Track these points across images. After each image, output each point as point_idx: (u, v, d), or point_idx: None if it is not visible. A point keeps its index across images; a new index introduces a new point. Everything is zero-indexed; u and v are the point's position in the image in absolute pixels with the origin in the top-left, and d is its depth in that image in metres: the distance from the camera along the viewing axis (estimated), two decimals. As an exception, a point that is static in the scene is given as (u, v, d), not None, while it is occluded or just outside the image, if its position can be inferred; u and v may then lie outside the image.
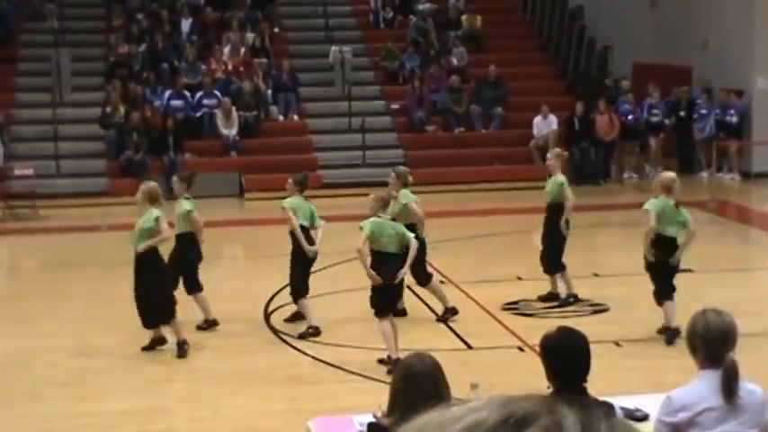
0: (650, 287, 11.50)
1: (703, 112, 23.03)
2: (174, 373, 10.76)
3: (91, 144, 22.65)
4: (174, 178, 12.65)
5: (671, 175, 11.60)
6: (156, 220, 10.99)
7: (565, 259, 12.74)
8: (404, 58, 25.05)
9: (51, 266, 16.32)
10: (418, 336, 11.41)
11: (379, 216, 10.43)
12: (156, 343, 11.34)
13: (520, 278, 14.09)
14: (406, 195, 12.10)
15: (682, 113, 23.42)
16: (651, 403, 5.90)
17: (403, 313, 12.03)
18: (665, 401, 4.92)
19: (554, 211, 12.65)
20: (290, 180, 12.30)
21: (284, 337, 11.83)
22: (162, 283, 11.13)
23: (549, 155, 13.09)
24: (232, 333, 12.03)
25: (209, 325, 12.11)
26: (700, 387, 4.85)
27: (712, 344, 4.82)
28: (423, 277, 12.25)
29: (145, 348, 11.28)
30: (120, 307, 11.96)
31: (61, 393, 10.27)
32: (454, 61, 25.14)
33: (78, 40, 25.36)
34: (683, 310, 5.53)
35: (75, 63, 24.07)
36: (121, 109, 22.46)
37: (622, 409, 5.10)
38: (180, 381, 10.64)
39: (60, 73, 23.59)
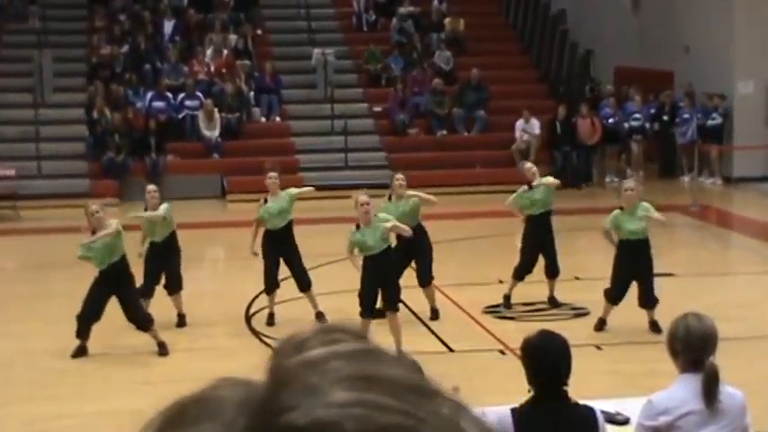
0: (630, 291, 11.53)
1: (686, 116, 23.12)
2: (154, 375, 10.72)
3: (72, 145, 22.56)
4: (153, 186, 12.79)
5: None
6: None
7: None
8: (390, 61, 25.06)
9: (32, 267, 16.25)
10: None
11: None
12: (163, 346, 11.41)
13: (501, 281, 14.09)
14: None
15: (665, 118, 23.50)
16: (632, 407, 5.92)
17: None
18: (646, 405, 4.94)
19: (548, 218, 13.00)
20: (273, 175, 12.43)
21: (265, 339, 11.81)
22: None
23: (529, 167, 13.27)
24: (213, 334, 12.00)
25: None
26: (681, 391, 4.87)
27: (693, 348, 4.84)
28: (428, 278, 12.42)
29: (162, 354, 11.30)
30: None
31: (41, 395, 10.23)
32: (442, 65, 25.16)
33: (60, 41, 25.28)
34: (665, 314, 5.55)
35: (57, 64, 23.99)
36: (106, 111, 22.38)
37: (603, 412, 5.11)
38: (160, 383, 10.61)
39: (42, 74, 23.50)
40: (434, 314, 12.51)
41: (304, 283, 12.34)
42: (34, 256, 17.00)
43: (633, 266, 11.43)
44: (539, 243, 12.85)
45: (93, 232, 11.15)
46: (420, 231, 12.13)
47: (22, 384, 10.58)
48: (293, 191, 12.68)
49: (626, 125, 23.43)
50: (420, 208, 12.36)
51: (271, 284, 12.32)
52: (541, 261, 12.93)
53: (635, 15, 25.81)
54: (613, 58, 25.90)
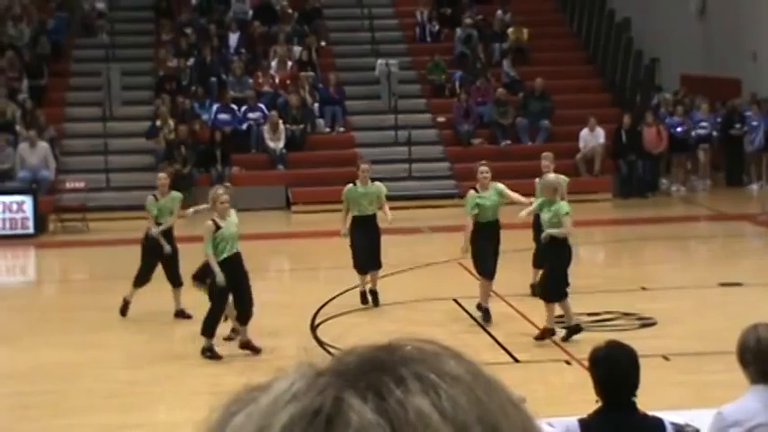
0: (698, 301, 11.40)
1: (754, 123, 22.81)
2: (219, 386, 10.80)
3: (140, 157, 22.85)
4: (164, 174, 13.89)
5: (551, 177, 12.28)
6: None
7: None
8: (453, 71, 25.06)
9: (100, 279, 16.47)
10: (466, 349, 11.34)
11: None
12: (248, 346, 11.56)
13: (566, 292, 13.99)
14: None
15: (737, 125, 23.11)
16: (701, 418, 5.84)
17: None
18: (716, 417, 4.87)
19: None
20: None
21: (330, 349, 11.84)
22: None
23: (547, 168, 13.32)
24: (279, 346, 12.06)
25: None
26: (752, 402, 4.79)
27: (764, 359, 4.77)
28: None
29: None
30: (166, 319, 12.05)
31: (109, 405, 10.35)
32: (511, 73, 25.10)
33: (128, 55, 25.63)
34: (734, 324, 5.46)
35: (124, 77, 24.34)
36: (171, 122, 22.66)
37: (672, 424, 5.05)
38: (225, 393, 10.67)
39: (110, 87, 23.84)
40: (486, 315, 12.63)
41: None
42: (103, 268, 17.22)
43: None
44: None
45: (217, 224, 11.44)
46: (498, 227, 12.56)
47: (90, 394, 10.72)
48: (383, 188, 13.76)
49: (692, 133, 23.18)
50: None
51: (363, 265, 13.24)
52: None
53: (701, 22, 25.53)
54: (679, 66, 25.63)
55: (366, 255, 13.29)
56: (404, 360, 0.90)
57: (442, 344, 0.94)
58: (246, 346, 11.55)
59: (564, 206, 11.74)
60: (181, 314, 13.13)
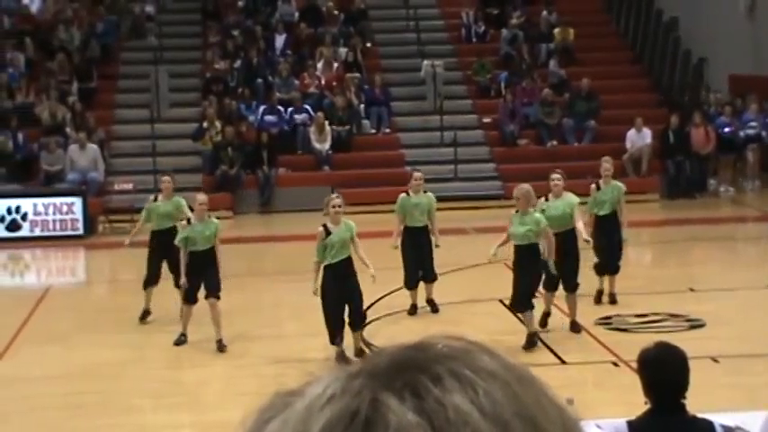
0: (747, 302, 11.29)
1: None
2: (265, 387, 10.83)
3: (187, 159, 23.02)
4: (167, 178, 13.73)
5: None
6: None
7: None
8: (498, 72, 25.01)
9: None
10: (513, 350, 11.34)
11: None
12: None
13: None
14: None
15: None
16: (753, 420, 5.79)
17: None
18: (767, 420, 4.83)
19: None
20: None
21: (368, 350, 11.85)
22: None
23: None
24: (319, 346, 12.08)
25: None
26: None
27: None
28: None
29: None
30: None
31: (155, 404, 10.44)
32: (558, 73, 24.98)
33: (176, 57, 25.84)
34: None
35: (172, 79, 24.53)
36: (217, 124, 22.80)
37: (723, 426, 5.01)
38: (270, 394, 10.72)
39: (158, 89, 24.05)
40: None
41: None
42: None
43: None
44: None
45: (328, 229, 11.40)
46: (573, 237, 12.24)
47: (136, 393, 10.81)
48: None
49: (741, 134, 22.95)
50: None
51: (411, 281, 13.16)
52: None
53: (750, 22, 25.26)
54: (728, 66, 25.37)
55: (416, 269, 13.15)
56: (437, 358, 0.89)
57: (471, 340, 0.93)
58: (359, 353, 11.31)
59: (539, 217, 11.54)
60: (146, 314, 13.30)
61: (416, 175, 13.77)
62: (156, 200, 13.70)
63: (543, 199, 12.39)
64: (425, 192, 13.61)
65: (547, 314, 12.24)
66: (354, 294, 11.19)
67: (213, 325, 12.00)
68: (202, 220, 12.32)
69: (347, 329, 11.30)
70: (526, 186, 11.81)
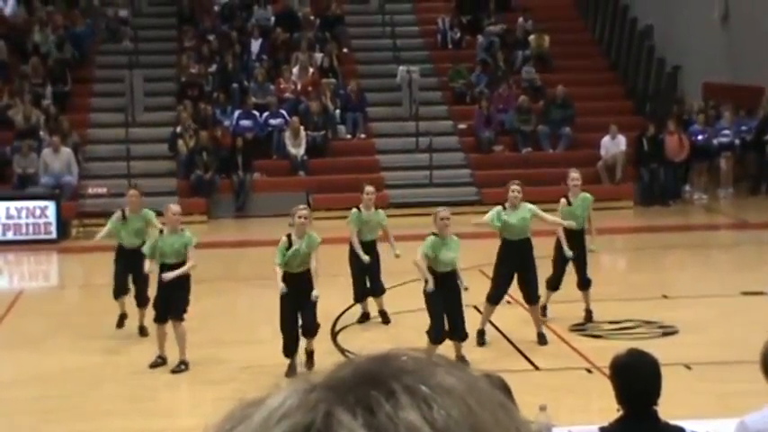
0: (720, 309, 11.35)
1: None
2: (240, 392, 10.82)
3: (162, 163, 22.94)
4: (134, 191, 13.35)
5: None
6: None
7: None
8: (474, 78, 25.06)
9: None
10: (486, 356, 11.36)
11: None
12: None
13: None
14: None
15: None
16: (723, 428, 5.82)
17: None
18: (738, 427, 4.85)
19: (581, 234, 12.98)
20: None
21: (350, 356, 11.86)
22: None
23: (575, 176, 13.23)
24: (299, 352, 12.06)
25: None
26: (774, 412, 4.77)
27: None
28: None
29: None
30: (189, 325, 12.06)
31: (128, 409, 10.39)
32: (537, 80, 25.04)
33: (151, 61, 25.75)
34: (756, 334, 5.44)
35: (147, 84, 24.44)
36: (192, 129, 22.73)
37: (694, 433, 5.03)
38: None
39: (133, 93, 23.96)
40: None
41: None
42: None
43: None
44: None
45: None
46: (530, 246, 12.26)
47: (112, 399, 10.76)
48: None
49: (715, 141, 23.09)
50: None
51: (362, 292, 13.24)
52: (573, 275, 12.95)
53: (724, 30, 25.42)
54: (702, 74, 25.53)
55: (364, 284, 13.02)
56: (396, 372, 0.89)
57: (437, 354, 0.94)
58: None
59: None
60: (141, 331, 12.95)
61: (368, 189, 13.28)
62: (123, 217, 13.13)
63: (501, 207, 12.29)
64: (377, 209, 13.31)
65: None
66: (308, 304, 11.15)
67: (177, 344, 11.52)
68: (175, 231, 11.75)
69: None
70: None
